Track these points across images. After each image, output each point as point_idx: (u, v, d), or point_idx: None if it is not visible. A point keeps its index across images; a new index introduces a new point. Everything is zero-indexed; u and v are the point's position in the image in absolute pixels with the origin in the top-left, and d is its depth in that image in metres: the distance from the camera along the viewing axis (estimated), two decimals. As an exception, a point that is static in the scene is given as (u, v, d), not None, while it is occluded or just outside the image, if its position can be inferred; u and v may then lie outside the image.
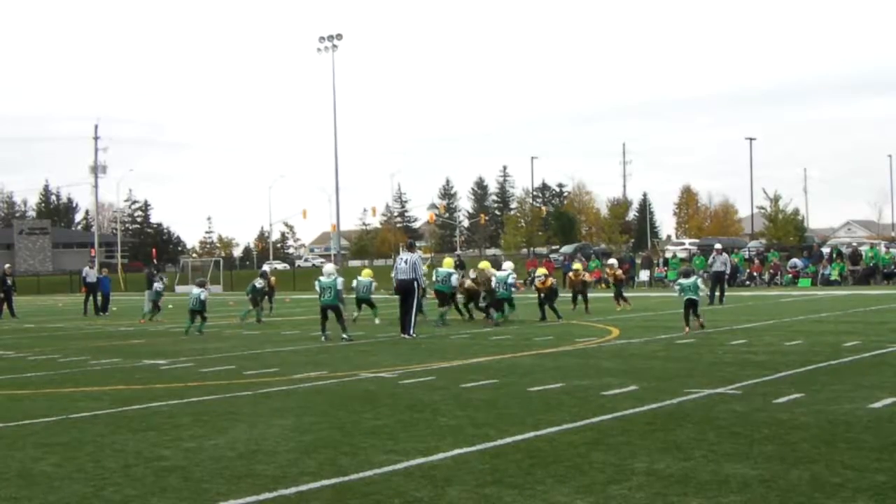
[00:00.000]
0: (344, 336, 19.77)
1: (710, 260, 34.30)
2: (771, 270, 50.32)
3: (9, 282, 36.35)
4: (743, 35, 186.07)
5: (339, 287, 20.24)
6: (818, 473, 6.96)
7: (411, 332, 20.39)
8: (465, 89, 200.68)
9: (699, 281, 21.28)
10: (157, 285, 31.18)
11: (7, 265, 39.05)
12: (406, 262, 21.44)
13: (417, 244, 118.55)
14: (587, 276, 29.66)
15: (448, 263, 26.72)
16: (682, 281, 20.53)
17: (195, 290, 24.22)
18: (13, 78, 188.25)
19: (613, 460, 7.53)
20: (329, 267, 22.09)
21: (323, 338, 20.00)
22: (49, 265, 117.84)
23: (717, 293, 31.37)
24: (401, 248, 20.61)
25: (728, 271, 34.34)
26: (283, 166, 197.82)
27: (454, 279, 24.59)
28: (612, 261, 33.66)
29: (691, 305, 19.99)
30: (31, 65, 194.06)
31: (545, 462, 7.54)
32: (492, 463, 7.57)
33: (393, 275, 22.85)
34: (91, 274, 37.90)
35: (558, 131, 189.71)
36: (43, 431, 9.65)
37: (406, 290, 21.00)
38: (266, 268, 28.75)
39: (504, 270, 24.33)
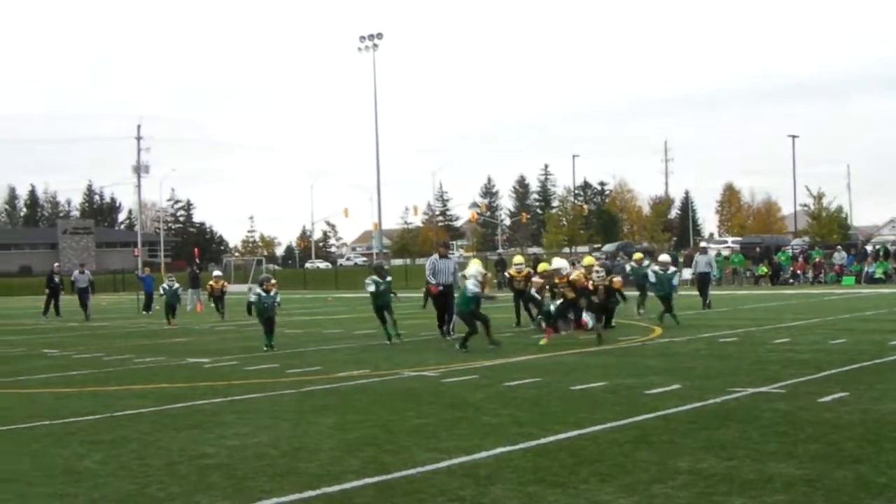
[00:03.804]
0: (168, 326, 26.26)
1: (694, 261, 31.50)
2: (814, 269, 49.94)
3: (56, 279, 36.72)
4: (780, 29, 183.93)
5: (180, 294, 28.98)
6: (863, 473, 6.88)
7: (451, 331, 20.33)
8: (506, 87, 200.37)
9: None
10: (164, 284, 29.43)
11: (56, 264, 39.48)
12: (445, 265, 21.37)
13: (458, 243, 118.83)
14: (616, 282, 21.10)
15: (589, 261, 21.52)
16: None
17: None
18: (57, 78, 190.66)
19: (657, 459, 7.49)
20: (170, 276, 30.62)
21: (167, 324, 27.21)
22: (93, 265, 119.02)
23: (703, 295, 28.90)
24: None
25: (715, 272, 32.40)
26: (324, 165, 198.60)
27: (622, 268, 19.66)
28: (596, 265, 20.81)
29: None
30: (74, 65, 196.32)
31: (588, 461, 7.51)
32: (535, 461, 7.56)
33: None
34: (81, 279, 36.41)
35: (599, 128, 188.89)
36: (88, 429, 9.77)
37: (445, 294, 20.91)
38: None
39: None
